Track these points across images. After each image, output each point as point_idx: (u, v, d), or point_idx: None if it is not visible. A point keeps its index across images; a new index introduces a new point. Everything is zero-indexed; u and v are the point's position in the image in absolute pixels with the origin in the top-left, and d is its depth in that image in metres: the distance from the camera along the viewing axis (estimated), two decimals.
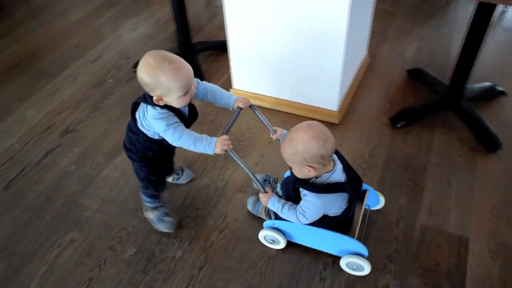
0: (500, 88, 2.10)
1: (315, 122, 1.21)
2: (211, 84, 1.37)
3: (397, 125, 1.91)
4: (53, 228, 1.58)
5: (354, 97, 2.09)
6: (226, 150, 1.25)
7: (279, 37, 1.77)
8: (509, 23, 2.66)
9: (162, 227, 1.52)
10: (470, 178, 1.71)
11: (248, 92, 2.03)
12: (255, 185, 1.60)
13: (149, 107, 1.25)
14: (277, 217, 1.42)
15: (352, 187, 1.27)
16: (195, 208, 1.62)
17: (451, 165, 1.76)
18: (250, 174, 1.32)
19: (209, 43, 2.47)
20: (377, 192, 1.53)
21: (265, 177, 1.63)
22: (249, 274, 1.42)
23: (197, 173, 1.74)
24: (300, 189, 1.27)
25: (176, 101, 1.22)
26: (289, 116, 1.97)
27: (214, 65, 2.31)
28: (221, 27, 2.60)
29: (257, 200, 1.56)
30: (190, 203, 1.64)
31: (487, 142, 1.82)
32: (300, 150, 1.17)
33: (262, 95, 2.01)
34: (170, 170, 1.65)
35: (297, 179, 1.27)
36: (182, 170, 1.71)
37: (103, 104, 2.13)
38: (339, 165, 1.26)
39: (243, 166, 1.29)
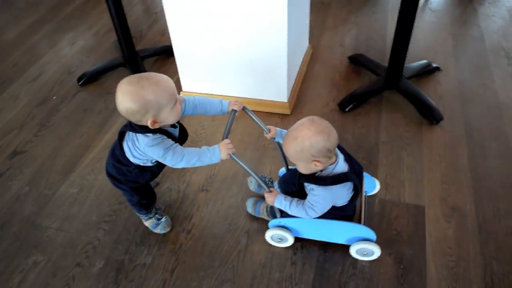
0: (435, 65, 2.24)
1: (315, 117, 1.22)
2: (197, 96, 1.34)
3: (345, 109, 1.99)
4: (12, 254, 1.51)
5: (302, 87, 2.15)
6: (229, 155, 1.23)
7: (222, 36, 1.79)
8: (435, 4, 2.84)
9: (160, 230, 1.53)
10: (419, 150, 1.81)
11: (198, 93, 2.04)
12: (251, 187, 1.64)
13: (139, 136, 1.20)
14: (274, 214, 1.44)
15: (356, 176, 1.29)
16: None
17: (400, 141, 1.86)
18: (255, 175, 1.30)
19: (153, 49, 2.45)
20: (374, 178, 1.59)
21: (262, 178, 1.63)
22: (221, 269, 1.43)
23: (158, 178, 1.73)
24: (305, 184, 1.29)
25: (170, 115, 1.17)
26: (241, 112, 1.99)
27: (161, 70, 2.30)
28: (163, 32, 2.59)
29: (256, 201, 1.56)
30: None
31: (430, 116, 1.93)
32: (306, 146, 1.17)
33: (212, 94, 2.03)
34: None
35: (301, 174, 1.27)
36: None
37: (50, 122, 2.06)
38: (341, 156, 1.28)
39: (247, 168, 1.28)
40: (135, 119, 1.16)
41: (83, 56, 2.54)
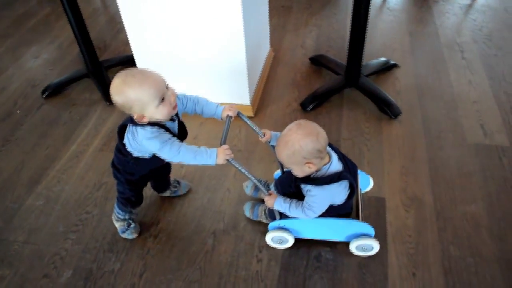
0: (393, 62, 2.32)
1: (302, 121, 1.25)
2: (197, 96, 1.37)
3: (307, 109, 2.05)
4: None
5: (264, 89, 2.20)
6: (227, 160, 1.24)
7: (181, 42, 1.82)
8: (392, 4, 2.93)
9: (127, 235, 1.56)
10: (379, 144, 1.88)
11: None
12: (248, 192, 1.66)
13: (138, 128, 1.22)
14: (274, 216, 1.46)
15: (350, 174, 1.32)
16: None
17: (360, 136, 1.92)
18: (254, 180, 1.32)
19: (117, 58, 2.46)
20: (368, 175, 1.62)
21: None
22: (189, 271, 1.45)
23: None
24: (302, 186, 1.31)
25: (157, 112, 1.18)
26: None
27: None
28: (127, 42, 2.58)
29: (254, 205, 1.59)
30: None
31: (389, 111, 2.00)
32: (296, 149, 1.20)
33: None
34: (167, 185, 1.66)
35: (297, 177, 1.30)
36: (179, 182, 1.71)
37: (14, 136, 2.05)
38: (334, 156, 1.30)
39: (247, 173, 1.29)
40: (126, 112, 1.20)
41: (47, 69, 2.53)
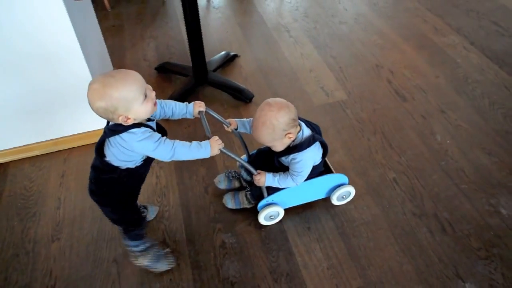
0: (233, 53, 2.48)
1: (269, 99, 1.35)
2: (164, 100, 1.33)
3: None
4: None
5: None
6: (220, 149, 1.27)
7: (21, 83, 1.70)
8: (216, 2, 3.12)
9: (163, 266, 1.45)
10: (231, 134, 2.00)
11: (10, 149, 1.89)
12: (221, 186, 1.72)
13: (124, 135, 1.14)
14: (260, 196, 1.54)
15: (319, 134, 1.46)
16: (13, 282, 1.48)
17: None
18: (245, 163, 1.41)
19: None
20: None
21: (227, 174, 1.72)
22: None
23: None
24: (283, 158, 1.43)
25: (141, 109, 1.13)
26: (69, 151, 1.93)
27: None
28: None
29: (233, 195, 1.65)
30: (8, 280, 1.48)
31: (242, 97, 2.15)
32: (275, 124, 1.30)
33: (29, 144, 1.90)
34: None
35: (279, 153, 1.41)
36: (145, 207, 1.59)
37: None
38: (302, 123, 1.41)
39: (238, 158, 1.37)
40: (109, 118, 1.13)
41: None
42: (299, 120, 1.41)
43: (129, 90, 1.10)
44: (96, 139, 1.94)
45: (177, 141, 1.21)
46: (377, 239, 1.53)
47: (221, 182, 1.72)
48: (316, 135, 1.43)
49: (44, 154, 1.92)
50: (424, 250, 1.49)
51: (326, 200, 1.65)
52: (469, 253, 1.47)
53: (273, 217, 1.58)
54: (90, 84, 1.10)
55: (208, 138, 1.27)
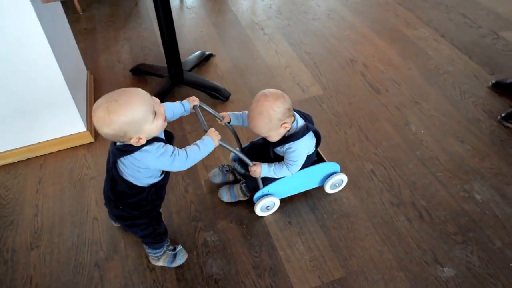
0: (208, 52, 2.48)
1: (265, 90, 1.36)
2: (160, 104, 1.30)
3: None
4: None
5: None
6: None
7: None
8: (189, 3, 3.11)
9: (179, 261, 1.47)
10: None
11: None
12: (216, 181, 1.73)
13: (137, 154, 1.11)
14: (255, 188, 1.54)
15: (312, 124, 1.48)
16: None
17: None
18: (241, 155, 1.43)
19: None
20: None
21: (220, 168, 1.73)
22: None
23: None
24: (278, 149, 1.45)
25: (153, 128, 1.11)
26: (45, 157, 1.90)
27: None
28: None
29: (228, 188, 1.65)
30: None
31: (219, 95, 2.15)
32: (272, 114, 1.32)
33: (2, 152, 1.86)
34: None
35: (274, 143, 1.42)
36: None
37: None
38: (296, 113, 1.43)
39: (234, 150, 1.38)
40: (120, 141, 1.11)
41: None
42: (294, 113, 1.44)
43: (137, 113, 1.06)
44: (72, 144, 1.93)
45: (187, 148, 1.21)
46: (357, 229, 1.56)
47: (216, 177, 1.73)
48: (310, 125, 1.46)
49: (19, 161, 1.89)
50: (403, 238, 1.52)
51: (306, 193, 1.67)
52: (446, 239, 1.51)
53: (269, 207, 1.60)
54: (94, 111, 1.05)
55: (205, 131, 1.30)
